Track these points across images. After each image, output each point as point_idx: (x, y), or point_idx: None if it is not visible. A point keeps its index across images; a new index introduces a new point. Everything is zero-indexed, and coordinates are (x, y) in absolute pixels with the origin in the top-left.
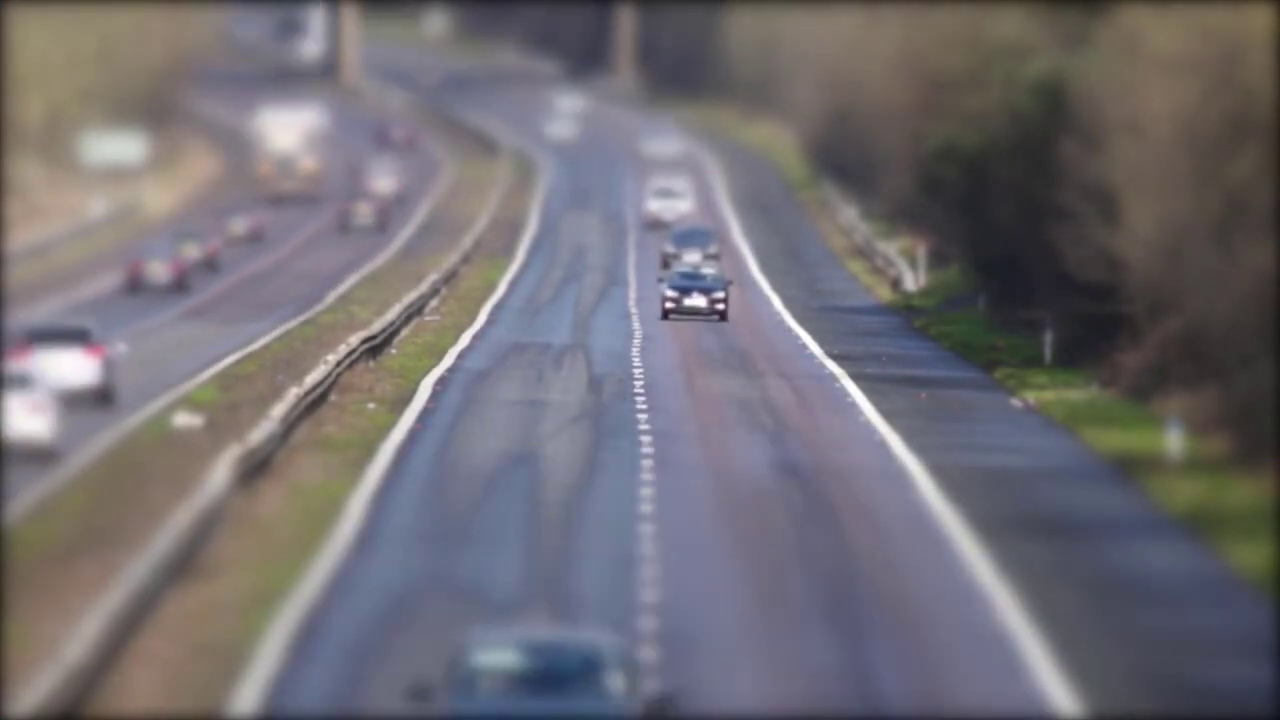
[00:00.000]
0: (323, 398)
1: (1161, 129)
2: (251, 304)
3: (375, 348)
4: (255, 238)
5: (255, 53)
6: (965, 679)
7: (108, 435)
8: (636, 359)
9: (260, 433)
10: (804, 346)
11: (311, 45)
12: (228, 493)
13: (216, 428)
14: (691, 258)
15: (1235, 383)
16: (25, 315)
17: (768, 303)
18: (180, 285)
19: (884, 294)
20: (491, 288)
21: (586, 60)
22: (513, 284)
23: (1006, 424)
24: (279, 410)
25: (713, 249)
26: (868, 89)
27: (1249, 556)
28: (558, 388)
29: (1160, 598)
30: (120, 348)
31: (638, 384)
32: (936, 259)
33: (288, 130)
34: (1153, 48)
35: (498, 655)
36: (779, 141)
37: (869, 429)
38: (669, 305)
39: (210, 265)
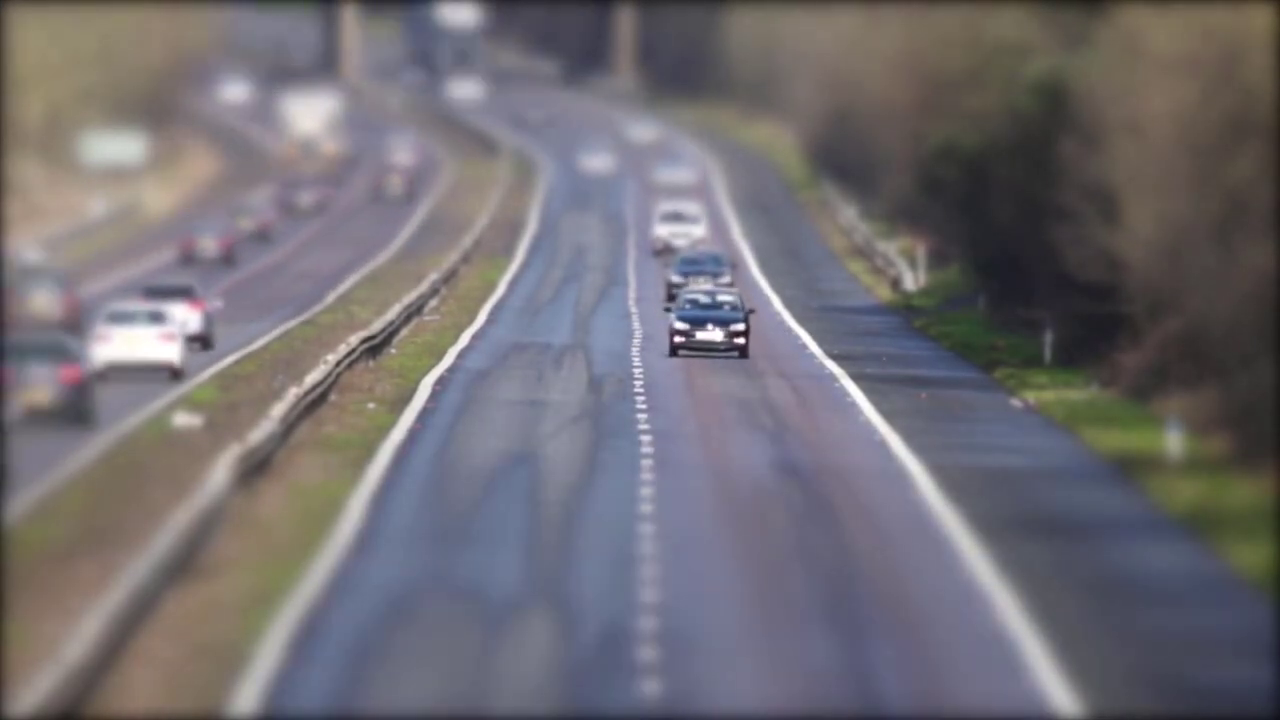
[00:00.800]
0: (322, 397)
1: (1161, 129)
2: (258, 302)
3: (375, 347)
4: (264, 235)
5: (254, 52)
6: (965, 679)
7: (107, 436)
8: (636, 359)
9: (260, 432)
10: (804, 346)
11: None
12: (227, 493)
13: (216, 427)
14: (699, 286)
15: (1235, 383)
16: (90, 289)
17: (768, 303)
18: (228, 259)
19: (884, 294)
20: (491, 287)
21: (586, 60)
22: (513, 284)
23: (1006, 424)
24: (279, 410)
25: (726, 277)
26: (868, 89)
27: (1249, 556)
28: (558, 387)
29: (1160, 598)
30: (217, 303)
31: (637, 384)
32: (936, 259)
33: (311, 115)
34: (1153, 48)
35: None
36: (779, 141)
37: (869, 429)
38: (678, 340)
39: (264, 237)
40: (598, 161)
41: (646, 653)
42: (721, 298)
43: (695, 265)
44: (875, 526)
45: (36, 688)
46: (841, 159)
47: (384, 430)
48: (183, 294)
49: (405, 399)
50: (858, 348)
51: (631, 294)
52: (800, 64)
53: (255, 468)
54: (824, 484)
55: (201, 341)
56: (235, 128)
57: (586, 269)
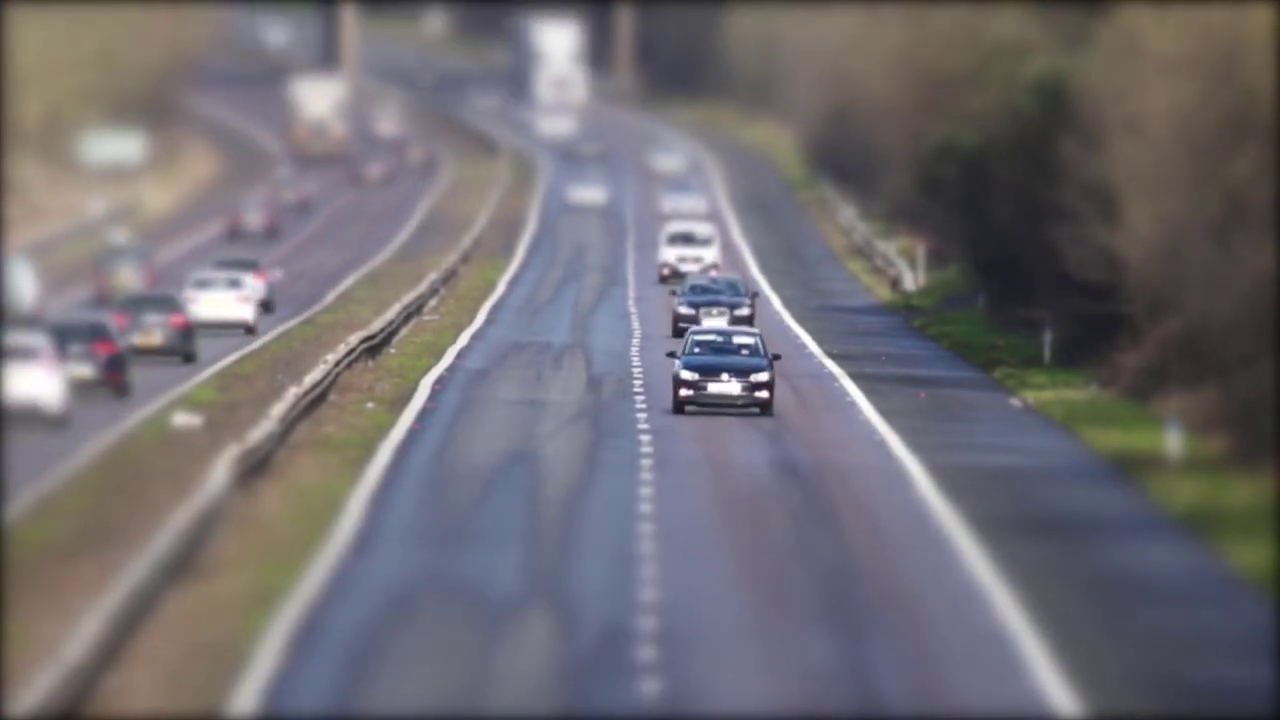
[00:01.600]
0: (322, 397)
1: (1161, 128)
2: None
3: (374, 347)
4: (304, 207)
5: (253, 52)
6: (964, 678)
7: (107, 435)
8: (636, 358)
9: (259, 432)
10: (803, 346)
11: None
12: (227, 492)
13: (215, 427)
14: (714, 322)
15: (1235, 383)
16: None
17: (767, 302)
18: (271, 231)
19: (883, 293)
20: (491, 287)
21: (586, 60)
22: (512, 283)
23: (1006, 424)
24: (278, 410)
25: (744, 308)
26: (867, 89)
27: (1249, 556)
28: (557, 387)
29: (1160, 597)
30: (277, 273)
31: (637, 383)
32: (936, 259)
33: (320, 98)
34: (1152, 47)
35: None
36: (778, 141)
37: (868, 428)
38: (685, 393)
39: (304, 208)
40: (588, 194)
41: (646, 652)
42: (740, 340)
43: (709, 295)
44: (874, 526)
45: (36, 688)
46: (841, 158)
47: (383, 430)
48: (248, 266)
49: (405, 399)
50: (857, 347)
51: (631, 294)
52: (800, 63)
53: (255, 467)
54: (823, 483)
55: (265, 306)
56: (235, 127)
57: (586, 268)
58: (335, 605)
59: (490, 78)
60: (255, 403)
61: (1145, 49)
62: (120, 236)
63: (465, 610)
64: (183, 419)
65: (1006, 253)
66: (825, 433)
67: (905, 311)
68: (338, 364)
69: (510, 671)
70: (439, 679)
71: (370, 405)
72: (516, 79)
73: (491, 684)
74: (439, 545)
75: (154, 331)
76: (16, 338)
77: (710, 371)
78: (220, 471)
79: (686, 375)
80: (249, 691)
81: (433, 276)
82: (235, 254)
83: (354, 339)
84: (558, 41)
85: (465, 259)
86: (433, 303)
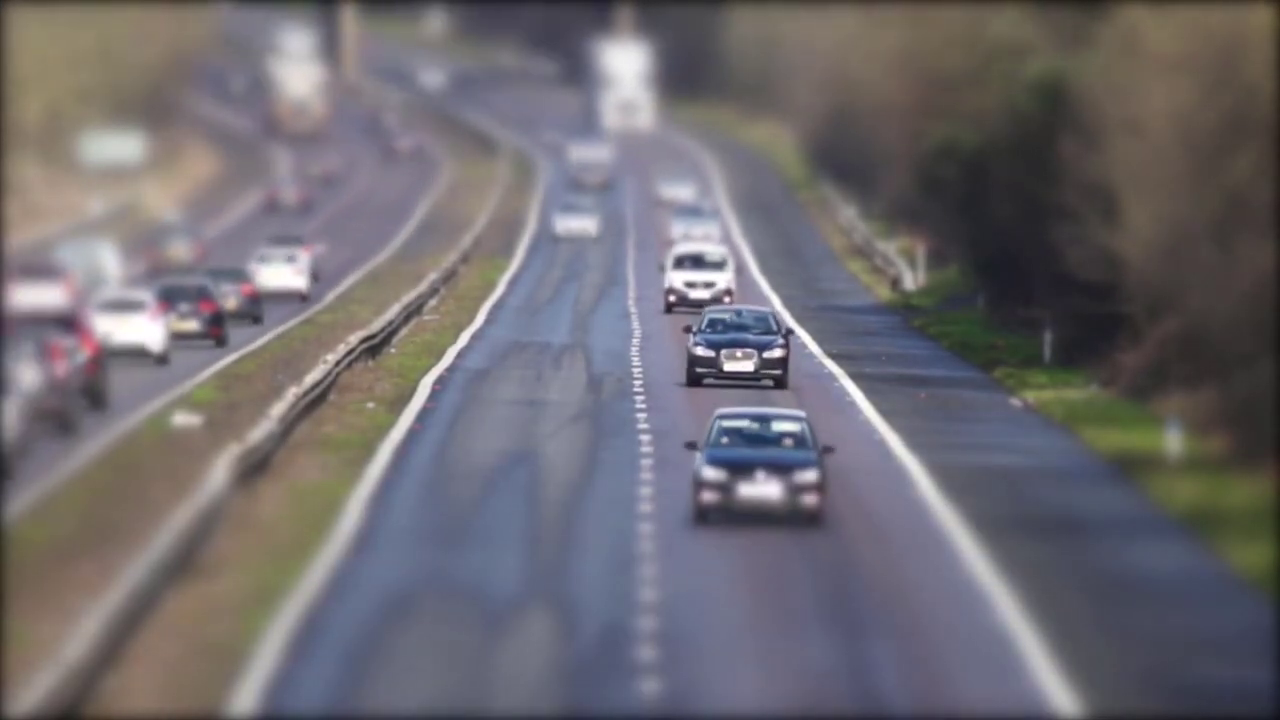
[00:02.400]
0: (322, 397)
1: (1161, 128)
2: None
3: (374, 347)
4: (329, 181)
5: (251, 51)
6: (964, 678)
7: (107, 435)
8: (635, 358)
9: (259, 432)
10: (803, 345)
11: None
12: (227, 492)
13: (215, 427)
14: (738, 365)
15: (1235, 382)
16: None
17: (767, 302)
18: (305, 207)
19: (883, 293)
20: (490, 287)
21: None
22: (512, 283)
23: (1006, 423)
24: (278, 410)
25: (776, 349)
26: (867, 89)
27: (1249, 556)
28: (557, 387)
29: (1160, 597)
30: (320, 248)
31: (637, 383)
32: (936, 258)
33: (300, 79)
34: (1152, 47)
35: None
36: (778, 141)
37: (868, 428)
38: (709, 496)
39: (328, 182)
40: (578, 224)
41: (646, 652)
42: (781, 427)
43: (732, 333)
44: (874, 525)
45: (36, 687)
46: (841, 159)
47: (383, 430)
48: (295, 242)
49: (405, 398)
50: (857, 347)
51: (630, 294)
52: (800, 63)
53: (255, 467)
54: None
55: (312, 277)
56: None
57: (586, 268)
58: (335, 605)
59: (561, 111)
60: (255, 403)
61: (1145, 49)
62: (171, 214)
63: (465, 610)
64: (183, 419)
65: (1006, 253)
66: (825, 432)
67: (905, 311)
68: (338, 364)
69: (510, 671)
70: (439, 679)
71: (370, 405)
72: (587, 103)
73: (491, 684)
74: (439, 545)
75: (230, 298)
76: (128, 293)
77: (742, 468)
78: (220, 471)
79: (711, 475)
80: (249, 691)
81: (433, 276)
82: (274, 229)
83: (354, 339)
84: (625, 63)
85: (465, 259)
86: (433, 302)
